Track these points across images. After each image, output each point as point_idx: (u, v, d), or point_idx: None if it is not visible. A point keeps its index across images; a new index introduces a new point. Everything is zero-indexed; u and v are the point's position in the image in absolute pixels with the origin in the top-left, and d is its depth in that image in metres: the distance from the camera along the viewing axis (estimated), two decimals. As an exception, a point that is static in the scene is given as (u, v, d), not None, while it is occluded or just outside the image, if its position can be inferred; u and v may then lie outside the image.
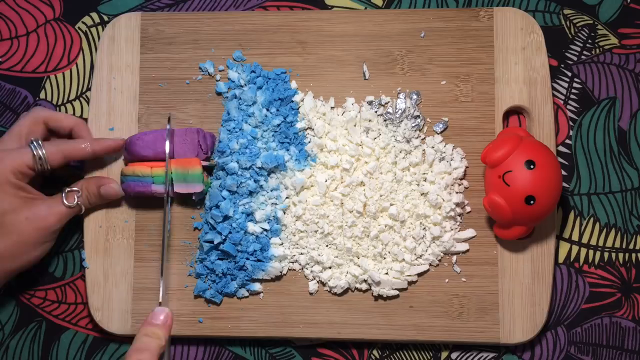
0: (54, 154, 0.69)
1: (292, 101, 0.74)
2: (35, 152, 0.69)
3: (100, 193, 0.72)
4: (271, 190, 0.72)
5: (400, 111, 0.74)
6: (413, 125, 0.73)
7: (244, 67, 0.75)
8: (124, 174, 0.72)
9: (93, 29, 0.79)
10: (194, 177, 0.71)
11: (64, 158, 0.70)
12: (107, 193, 0.72)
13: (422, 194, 0.72)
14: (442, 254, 0.72)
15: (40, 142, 0.69)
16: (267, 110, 0.73)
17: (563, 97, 0.77)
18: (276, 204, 0.72)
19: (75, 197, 0.71)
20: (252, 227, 0.71)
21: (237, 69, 0.75)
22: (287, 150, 0.73)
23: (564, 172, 0.75)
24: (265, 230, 0.72)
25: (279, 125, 0.73)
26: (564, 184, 0.75)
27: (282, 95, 0.73)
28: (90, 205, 0.73)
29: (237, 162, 0.71)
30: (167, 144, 0.71)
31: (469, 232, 0.73)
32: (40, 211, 0.69)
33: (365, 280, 0.72)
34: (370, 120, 0.73)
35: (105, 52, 0.76)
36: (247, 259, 0.71)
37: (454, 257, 0.72)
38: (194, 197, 0.73)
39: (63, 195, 0.71)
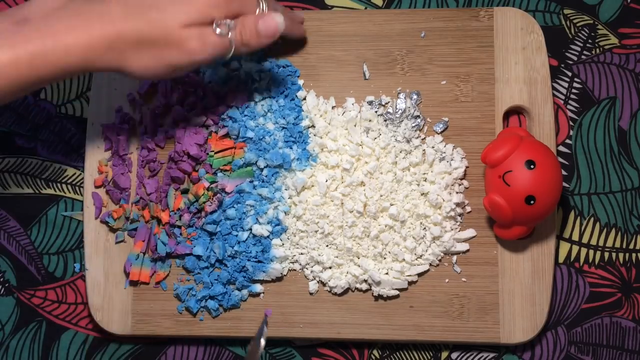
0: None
1: (296, 97, 0.73)
2: None
3: (258, 28, 0.62)
4: (274, 192, 0.72)
5: (400, 111, 0.74)
6: (413, 125, 0.73)
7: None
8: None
9: (93, 29, 0.79)
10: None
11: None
12: (266, 28, 0.62)
13: (422, 194, 0.72)
14: (442, 254, 0.72)
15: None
16: (273, 99, 0.73)
17: (563, 97, 0.76)
18: (278, 205, 0.72)
19: (228, 28, 0.61)
20: (258, 229, 0.71)
21: None
22: (291, 148, 0.72)
23: (564, 172, 0.75)
24: (269, 232, 0.71)
25: (285, 119, 0.72)
26: (564, 184, 0.75)
27: (289, 87, 0.73)
28: (242, 44, 0.63)
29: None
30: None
31: (469, 232, 0.73)
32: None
33: (365, 280, 0.72)
34: (370, 120, 0.73)
35: (105, 52, 0.76)
36: (249, 260, 0.71)
37: (454, 257, 0.72)
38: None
39: (214, 24, 0.61)
